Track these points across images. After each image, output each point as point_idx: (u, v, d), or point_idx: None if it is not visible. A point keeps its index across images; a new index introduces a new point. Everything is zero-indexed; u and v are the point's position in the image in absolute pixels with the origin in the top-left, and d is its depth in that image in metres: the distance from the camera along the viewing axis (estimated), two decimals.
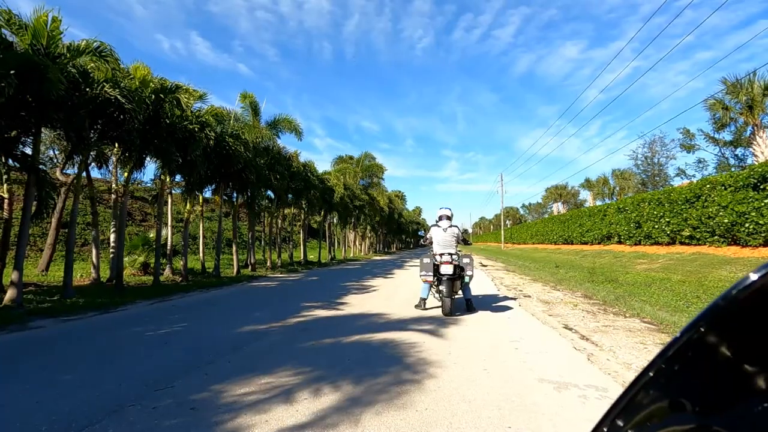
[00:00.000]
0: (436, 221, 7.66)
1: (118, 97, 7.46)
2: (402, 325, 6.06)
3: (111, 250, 13.00)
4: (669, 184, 29.86)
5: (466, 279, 7.11)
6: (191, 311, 7.48)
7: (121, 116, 7.89)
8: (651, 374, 0.52)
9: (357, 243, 37.58)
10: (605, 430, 0.57)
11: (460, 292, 7.30)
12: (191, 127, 9.49)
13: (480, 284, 12.22)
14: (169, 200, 12.89)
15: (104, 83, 7.37)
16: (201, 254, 14.29)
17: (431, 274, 7.08)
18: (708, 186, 15.52)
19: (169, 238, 12.61)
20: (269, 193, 17.25)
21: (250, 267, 15.50)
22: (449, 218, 7.56)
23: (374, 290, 10.49)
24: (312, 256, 25.34)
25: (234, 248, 14.37)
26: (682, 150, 26.00)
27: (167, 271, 12.49)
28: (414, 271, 16.73)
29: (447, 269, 6.86)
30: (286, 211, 19.06)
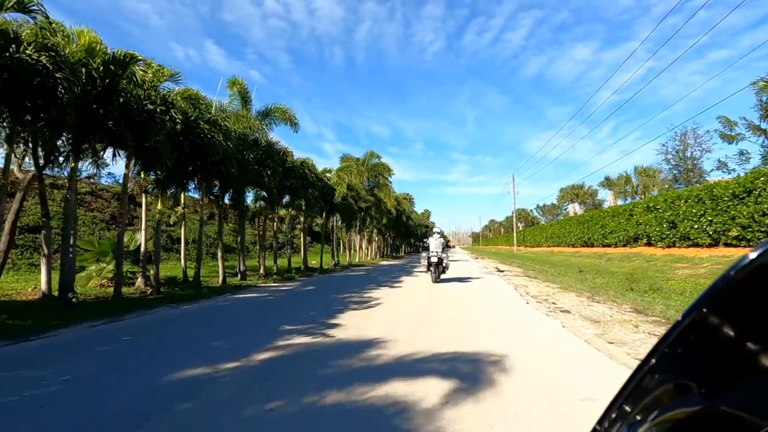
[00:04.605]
0: (432, 234, 13.69)
1: (45, 63, 5.80)
2: (411, 365, 4.23)
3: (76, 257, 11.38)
4: (704, 180, 27.46)
5: (444, 263, 13.06)
6: (133, 339, 5.72)
7: (57, 89, 6.22)
8: (655, 359, 0.53)
9: (363, 247, 35.78)
10: (613, 415, 0.57)
11: (446, 273, 13.95)
12: (151, 107, 7.79)
13: (503, 295, 10.36)
14: (144, 200, 11.25)
15: (25, 45, 5.71)
16: (182, 261, 12.60)
17: (428, 261, 13.11)
18: (762, 179, 13.47)
19: (143, 243, 10.96)
20: (262, 192, 15.58)
21: (239, 275, 13.78)
22: (439, 233, 13.66)
23: (377, 304, 8.67)
24: (314, 262, 23.59)
25: (219, 254, 12.64)
26: (723, 140, 23.54)
27: (139, 281, 10.82)
28: (424, 279, 14.94)
29: (435, 259, 12.77)
30: (282, 212, 17.35)
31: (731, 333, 0.46)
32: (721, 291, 0.46)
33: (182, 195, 12.69)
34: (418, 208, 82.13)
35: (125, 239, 12.14)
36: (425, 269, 13.64)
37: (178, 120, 8.47)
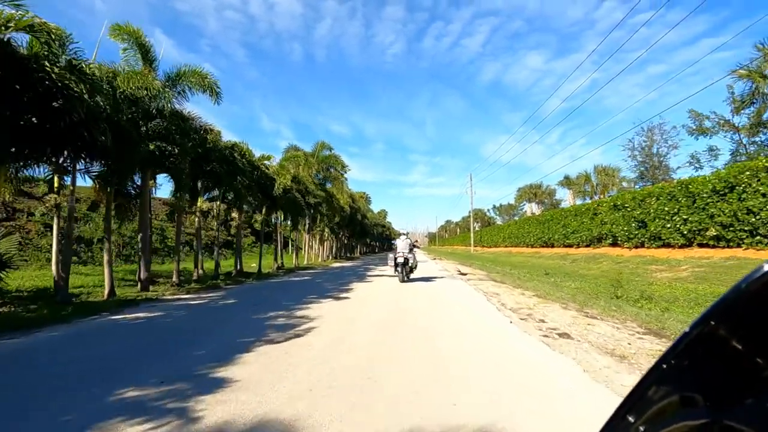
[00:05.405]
0: (398, 236, 14.67)
1: None
2: None
3: None
4: (670, 178, 27.00)
5: (411, 263, 13.80)
6: None
7: None
8: (661, 370, 0.52)
9: (314, 247, 32.81)
10: (617, 426, 0.57)
11: (415, 272, 14.69)
12: None
13: (476, 309, 8.15)
14: None
15: None
16: (53, 266, 9.28)
17: (394, 261, 13.77)
18: (748, 173, 12.28)
19: None
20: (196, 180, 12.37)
21: (139, 284, 10.61)
22: (406, 234, 14.48)
23: (309, 330, 6.08)
24: (254, 264, 20.46)
25: (105, 258, 9.45)
26: (691, 135, 22.81)
27: None
28: (379, 286, 12.57)
29: (401, 259, 13.55)
30: (205, 205, 14.18)
31: (740, 346, 0.45)
32: (732, 303, 0.45)
33: (55, 179, 9.38)
34: (376, 208, 79.91)
35: None
36: (392, 270, 14.11)
37: None
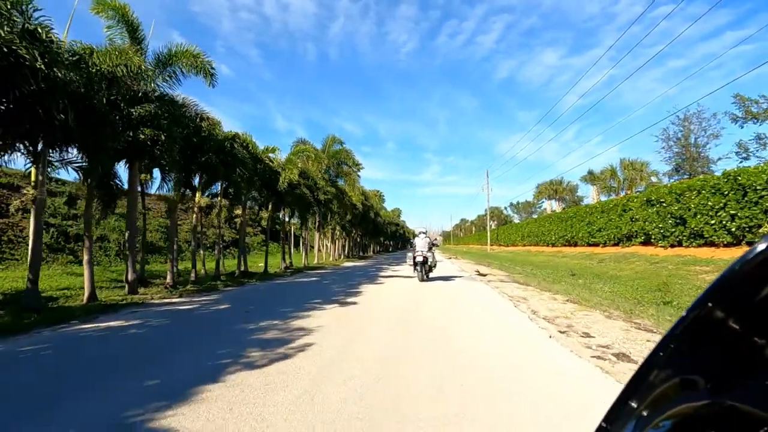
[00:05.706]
0: (417, 234, 14.17)
1: None
2: None
3: None
4: (710, 170, 24.94)
5: (429, 262, 13.56)
6: None
7: None
8: (661, 355, 0.52)
9: (326, 246, 31.80)
10: (620, 412, 0.56)
11: (433, 271, 14.47)
12: None
13: (504, 318, 6.88)
14: None
15: None
16: (28, 265, 8.42)
17: (413, 260, 13.43)
18: None
19: None
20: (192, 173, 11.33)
21: (127, 287, 9.64)
22: (424, 233, 14.02)
23: (302, 349, 4.92)
24: (262, 264, 19.50)
25: (85, 257, 8.50)
26: (735, 122, 20.77)
27: None
28: (394, 288, 11.44)
29: (420, 258, 13.23)
30: (202, 200, 13.19)
31: (738, 327, 0.45)
32: (727, 285, 0.45)
33: (32, 170, 8.46)
34: (389, 206, 78.61)
35: None
36: (411, 270, 14.18)
37: None
